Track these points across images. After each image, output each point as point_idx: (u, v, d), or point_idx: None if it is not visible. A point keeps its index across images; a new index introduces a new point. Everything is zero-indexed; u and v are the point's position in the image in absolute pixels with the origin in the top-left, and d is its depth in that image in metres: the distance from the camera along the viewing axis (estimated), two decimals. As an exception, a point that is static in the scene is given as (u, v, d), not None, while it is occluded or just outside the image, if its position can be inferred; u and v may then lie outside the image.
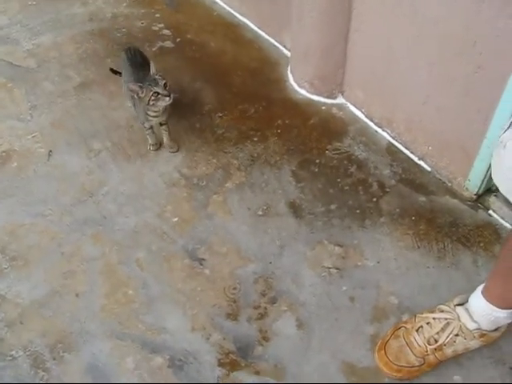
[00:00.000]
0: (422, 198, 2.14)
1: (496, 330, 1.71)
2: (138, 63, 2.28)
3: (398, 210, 2.10)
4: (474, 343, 1.70)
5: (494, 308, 1.62)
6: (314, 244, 2.01)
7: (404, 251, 1.99)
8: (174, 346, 1.80)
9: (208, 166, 2.24)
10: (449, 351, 1.70)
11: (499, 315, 1.63)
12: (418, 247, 2.00)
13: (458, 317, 1.68)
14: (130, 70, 2.25)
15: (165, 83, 2.08)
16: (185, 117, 2.41)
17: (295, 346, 1.79)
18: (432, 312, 1.73)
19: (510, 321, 1.68)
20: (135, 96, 2.11)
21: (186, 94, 2.51)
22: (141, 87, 2.07)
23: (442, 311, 1.72)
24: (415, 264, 1.96)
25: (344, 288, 1.91)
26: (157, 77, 2.08)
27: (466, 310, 1.68)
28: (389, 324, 1.82)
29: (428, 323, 1.72)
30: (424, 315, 1.74)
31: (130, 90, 2.10)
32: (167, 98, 2.08)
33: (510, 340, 1.79)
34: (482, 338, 1.69)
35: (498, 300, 1.61)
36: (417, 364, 1.70)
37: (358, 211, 2.10)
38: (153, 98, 2.06)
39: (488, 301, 1.62)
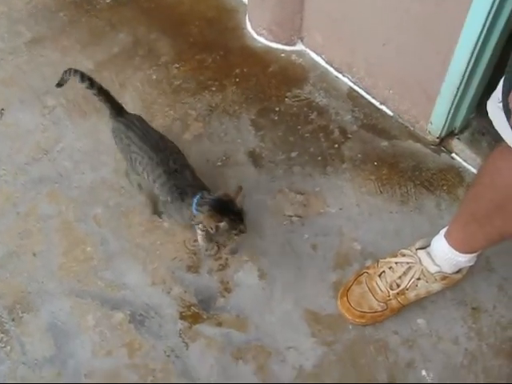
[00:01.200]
0: (385, 143, 2.11)
1: (458, 272, 1.70)
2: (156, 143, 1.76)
3: (359, 155, 2.07)
4: (436, 286, 1.68)
5: (456, 252, 1.60)
6: (275, 192, 1.98)
7: (366, 197, 1.96)
8: (134, 302, 1.77)
9: (165, 118, 2.17)
10: (411, 295, 1.68)
11: (461, 259, 1.61)
12: (381, 192, 1.98)
13: (420, 260, 1.67)
14: (151, 161, 1.72)
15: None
16: (141, 68, 2.33)
17: (257, 296, 1.77)
18: (394, 257, 1.71)
19: (471, 263, 1.67)
20: (207, 230, 1.64)
21: (141, 46, 2.42)
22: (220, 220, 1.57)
23: (404, 255, 1.70)
24: (378, 209, 1.94)
25: (306, 236, 1.88)
26: (241, 207, 1.63)
27: (428, 253, 1.67)
28: (352, 270, 1.80)
29: (390, 268, 1.70)
30: (386, 260, 1.72)
31: (207, 225, 1.60)
32: (243, 234, 1.66)
33: (472, 281, 1.79)
34: (443, 281, 1.67)
35: (460, 244, 1.59)
36: (379, 309, 1.69)
37: (319, 158, 2.06)
38: (234, 235, 1.64)
39: (450, 245, 1.60)
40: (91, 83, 1.77)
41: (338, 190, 1.98)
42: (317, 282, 1.79)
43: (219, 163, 2.05)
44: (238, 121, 2.16)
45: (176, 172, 1.70)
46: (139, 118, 1.83)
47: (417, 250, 1.69)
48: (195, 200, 1.63)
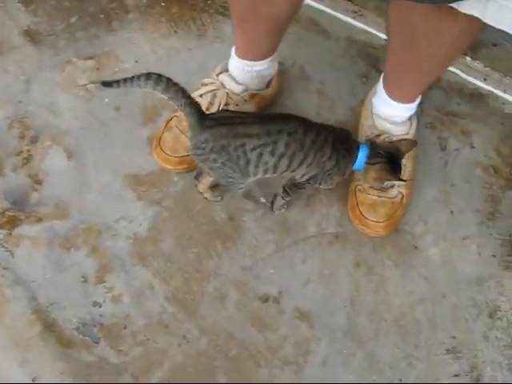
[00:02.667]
0: (168, -19, 1.93)
1: (267, 87, 1.61)
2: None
3: (145, 0, 1.88)
4: (249, 108, 1.59)
5: (250, 62, 1.51)
6: (63, 65, 1.78)
7: (161, 41, 1.81)
8: None
9: None
10: (226, 124, 1.58)
11: (259, 68, 1.53)
12: (176, 32, 1.83)
13: (223, 84, 1.56)
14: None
15: None
16: None
17: (71, 178, 1.62)
18: (197, 90, 1.58)
19: (274, 72, 1.60)
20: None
21: None
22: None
23: (206, 84, 1.58)
24: (176, 50, 1.80)
25: (106, 100, 1.72)
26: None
27: (229, 75, 1.56)
28: (163, 120, 1.66)
29: (196, 102, 1.58)
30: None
31: (376, 178, 1.36)
32: None
33: (290, 95, 1.76)
34: (254, 100, 1.59)
35: (247, 53, 1.51)
36: (198, 149, 1.58)
37: (101, 16, 1.86)
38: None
39: (240, 57, 1.51)
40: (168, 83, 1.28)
41: (130, 43, 1.80)
42: (130, 144, 1.65)
43: (-7, 52, 1.82)
44: (3, 1, 1.91)
45: (323, 128, 1.36)
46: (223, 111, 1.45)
47: (217, 75, 1.57)
48: (365, 152, 1.36)
